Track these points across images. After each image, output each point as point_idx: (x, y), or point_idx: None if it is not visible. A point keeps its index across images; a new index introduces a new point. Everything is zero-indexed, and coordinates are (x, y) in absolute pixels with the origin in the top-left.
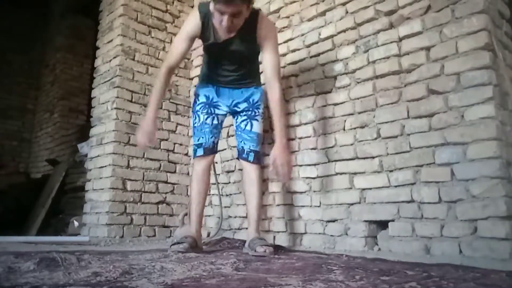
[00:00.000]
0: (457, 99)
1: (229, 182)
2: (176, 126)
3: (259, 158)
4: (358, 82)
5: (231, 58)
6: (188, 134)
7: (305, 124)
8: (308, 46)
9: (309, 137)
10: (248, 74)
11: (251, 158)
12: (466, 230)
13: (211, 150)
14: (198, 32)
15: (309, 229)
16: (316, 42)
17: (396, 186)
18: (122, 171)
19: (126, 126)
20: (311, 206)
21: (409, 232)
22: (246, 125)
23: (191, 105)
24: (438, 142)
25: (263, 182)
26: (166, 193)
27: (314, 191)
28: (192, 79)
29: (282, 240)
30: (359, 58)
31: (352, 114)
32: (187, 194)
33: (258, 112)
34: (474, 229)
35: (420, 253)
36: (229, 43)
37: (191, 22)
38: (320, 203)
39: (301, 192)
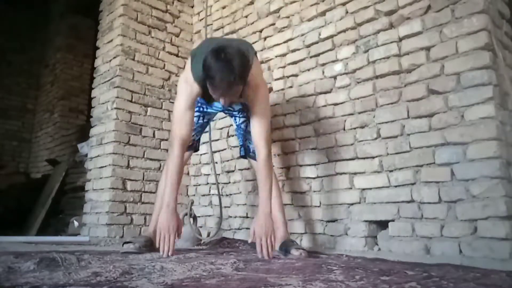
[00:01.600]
0: (457, 99)
1: (229, 182)
2: None
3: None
4: (358, 82)
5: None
6: None
7: (305, 124)
8: (308, 46)
9: (309, 137)
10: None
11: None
12: (466, 230)
13: (190, 147)
14: (200, 94)
15: (309, 229)
16: (316, 42)
17: (396, 186)
18: (122, 171)
19: (126, 126)
20: (311, 206)
21: (409, 232)
22: (247, 126)
23: None
24: (438, 142)
25: None
26: None
27: (314, 191)
28: None
29: None
30: (359, 58)
31: (352, 114)
32: (187, 194)
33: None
34: (474, 229)
35: (420, 253)
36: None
37: (189, 90)
38: (320, 203)
39: (301, 192)
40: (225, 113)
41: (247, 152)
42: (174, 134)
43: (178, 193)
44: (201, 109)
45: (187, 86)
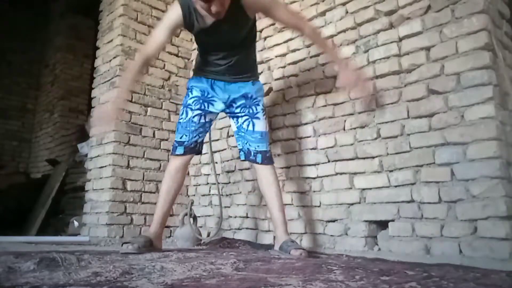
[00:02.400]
0: (457, 99)
1: (229, 182)
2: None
3: (268, 158)
4: None
5: (222, 46)
6: None
7: (305, 124)
8: (308, 46)
9: (309, 137)
10: (244, 65)
11: (258, 159)
12: (466, 230)
13: (192, 149)
14: (180, 21)
15: (309, 229)
16: None
17: (396, 186)
18: (122, 171)
19: (126, 126)
20: (311, 206)
21: (409, 232)
22: (248, 125)
23: None
24: (438, 142)
25: None
26: None
27: (314, 191)
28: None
29: None
30: (359, 58)
31: (352, 114)
32: (187, 194)
33: (258, 109)
34: (474, 229)
35: (420, 253)
36: (218, 28)
37: (170, 12)
38: (320, 203)
39: (301, 192)
40: (226, 113)
41: (247, 156)
42: (140, 49)
43: (130, 84)
44: (202, 106)
45: (170, 9)
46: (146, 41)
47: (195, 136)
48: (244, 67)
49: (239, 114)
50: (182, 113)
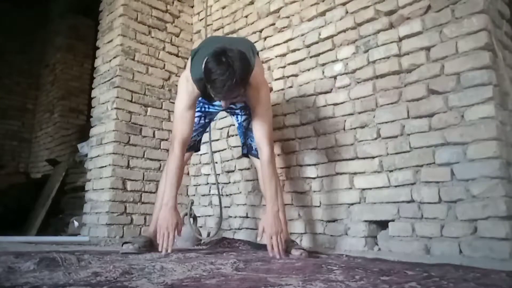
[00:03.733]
0: (457, 99)
1: (229, 182)
2: None
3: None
4: (358, 82)
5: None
6: None
7: (305, 124)
8: (308, 46)
9: (309, 137)
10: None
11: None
12: (466, 230)
13: (191, 147)
14: (198, 95)
15: (309, 229)
16: (316, 42)
17: (396, 186)
18: (122, 171)
19: (126, 126)
20: (311, 206)
21: (409, 232)
22: (249, 124)
23: None
24: (438, 142)
25: None
26: None
27: (314, 191)
28: None
29: None
30: (359, 58)
31: (352, 114)
32: (187, 194)
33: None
34: (474, 229)
35: (420, 253)
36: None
37: (190, 89)
38: (320, 203)
39: (301, 192)
40: (227, 112)
41: (249, 151)
42: (174, 134)
43: (177, 192)
44: (203, 109)
45: (188, 85)
46: (176, 125)
47: (194, 135)
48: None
49: (239, 113)
50: None
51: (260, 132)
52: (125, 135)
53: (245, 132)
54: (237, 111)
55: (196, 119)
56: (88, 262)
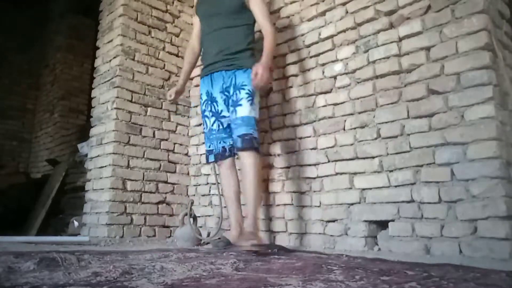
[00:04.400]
0: (457, 99)
1: None
2: (176, 126)
3: (249, 141)
4: (358, 82)
5: (214, 16)
6: (188, 134)
7: (305, 124)
8: (308, 46)
9: (309, 137)
10: (236, 45)
11: (239, 143)
12: (466, 230)
13: (222, 155)
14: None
15: (309, 229)
16: (316, 42)
17: (396, 186)
18: (122, 171)
19: (126, 126)
20: (311, 206)
21: (409, 232)
22: (232, 113)
23: (190, 105)
24: (438, 142)
25: (263, 182)
26: (166, 193)
27: (314, 191)
28: (192, 79)
29: (282, 240)
30: (359, 58)
31: (352, 114)
32: (187, 194)
33: (240, 94)
34: (474, 229)
35: (420, 253)
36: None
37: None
38: (320, 203)
39: (301, 192)
40: (226, 106)
41: (221, 155)
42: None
43: (184, 77)
44: (212, 107)
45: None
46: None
47: (219, 143)
48: (236, 47)
49: (229, 105)
50: (203, 122)
51: (261, 16)
52: (125, 135)
53: (216, 136)
54: (228, 95)
55: (215, 126)
56: (88, 262)
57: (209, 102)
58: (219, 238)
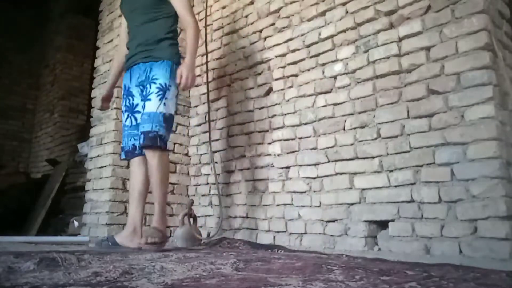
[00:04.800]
0: (457, 99)
1: (229, 182)
2: (176, 126)
3: (152, 139)
4: (358, 82)
5: (133, 12)
6: (188, 134)
7: (305, 124)
8: (308, 46)
9: (309, 137)
10: (153, 37)
11: (141, 140)
12: (466, 230)
13: (132, 153)
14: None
15: (309, 229)
16: (316, 42)
17: (396, 186)
18: (122, 171)
19: None
20: (311, 206)
21: (409, 232)
22: (142, 108)
23: (190, 105)
24: (438, 142)
25: (262, 181)
26: None
27: (314, 191)
28: None
29: (282, 240)
30: (359, 58)
31: (352, 114)
32: (187, 194)
33: (151, 88)
34: (474, 229)
35: (420, 253)
36: None
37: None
38: (320, 203)
39: (301, 192)
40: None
41: (131, 153)
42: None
43: (115, 80)
44: (128, 101)
45: None
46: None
47: (129, 140)
48: (153, 39)
49: (142, 99)
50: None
51: (180, 8)
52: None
53: (129, 132)
54: (143, 89)
55: (128, 121)
56: (88, 262)
57: (125, 96)
58: (106, 238)
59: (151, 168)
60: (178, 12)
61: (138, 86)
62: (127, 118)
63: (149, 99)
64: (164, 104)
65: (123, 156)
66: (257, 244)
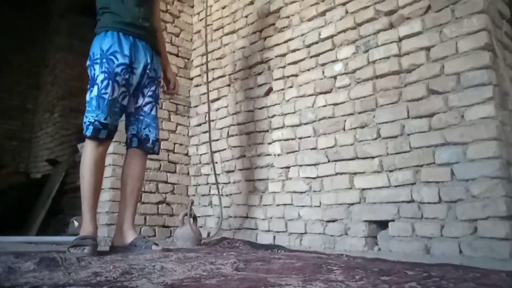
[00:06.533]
0: (457, 99)
1: (229, 182)
2: (176, 126)
3: (158, 147)
4: (358, 82)
5: None
6: (188, 134)
7: (305, 124)
8: (308, 46)
9: (309, 137)
10: (152, 21)
11: (157, 148)
12: (466, 230)
13: (112, 135)
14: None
15: (309, 229)
16: (316, 42)
17: (396, 186)
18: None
19: None
20: (311, 206)
21: (409, 232)
22: (151, 109)
23: (190, 105)
24: (438, 142)
25: (262, 181)
26: (166, 193)
27: (314, 191)
28: (192, 79)
29: (282, 240)
30: (359, 58)
31: (352, 114)
32: (187, 194)
33: (159, 91)
34: (474, 229)
35: (420, 253)
36: None
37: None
38: (320, 203)
39: (301, 192)
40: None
41: (142, 144)
42: None
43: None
44: (128, 78)
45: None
46: None
47: (117, 120)
48: (152, 22)
49: (145, 93)
50: (107, 85)
51: (157, 19)
52: (125, 135)
53: (143, 119)
54: (146, 87)
55: (122, 99)
56: (88, 262)
57: (128, 71)
58: (83, 238)
59: (140, 171)
60: (157, 15)
61: (147, 77)
62: (121, 94)
63: (158, 104)
64: None
65: (103, 135)
66: (257, 244)
